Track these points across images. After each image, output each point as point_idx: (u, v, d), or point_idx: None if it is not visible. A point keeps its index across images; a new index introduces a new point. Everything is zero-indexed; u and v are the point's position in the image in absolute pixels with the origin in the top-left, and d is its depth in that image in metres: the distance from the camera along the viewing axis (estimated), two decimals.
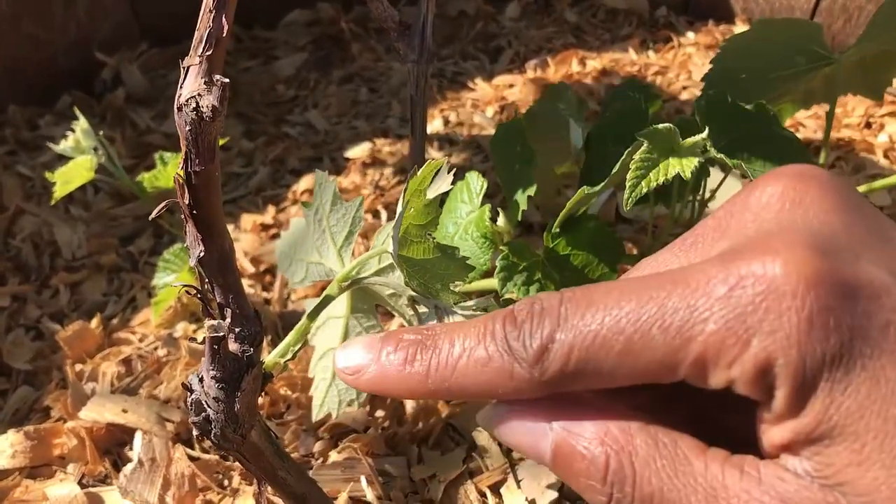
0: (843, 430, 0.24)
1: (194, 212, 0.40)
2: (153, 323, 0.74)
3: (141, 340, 0.72)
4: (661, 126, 0.55)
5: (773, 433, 0.26)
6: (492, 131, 1.00)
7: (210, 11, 0.39)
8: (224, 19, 0.39)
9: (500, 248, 0.58)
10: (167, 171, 0.72)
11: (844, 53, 0.63)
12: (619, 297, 0.27)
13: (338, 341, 0.53)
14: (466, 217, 0.63)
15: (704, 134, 0.55)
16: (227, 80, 0.37)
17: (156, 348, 0.71)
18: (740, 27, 1.13)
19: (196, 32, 0.39)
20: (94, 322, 0.74)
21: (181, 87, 0.39)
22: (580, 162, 0.67)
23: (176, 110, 0.39)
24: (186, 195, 0.40)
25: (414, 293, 0.44)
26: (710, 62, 0.67)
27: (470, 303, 0.45)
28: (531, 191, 0.63)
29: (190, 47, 1.03)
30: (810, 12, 1.07)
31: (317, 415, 0.57)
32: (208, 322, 0.41)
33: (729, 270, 0.25)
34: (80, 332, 0.72)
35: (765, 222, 0.28)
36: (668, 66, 1.09)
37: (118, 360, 0.70)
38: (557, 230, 0.60)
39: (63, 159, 0.78)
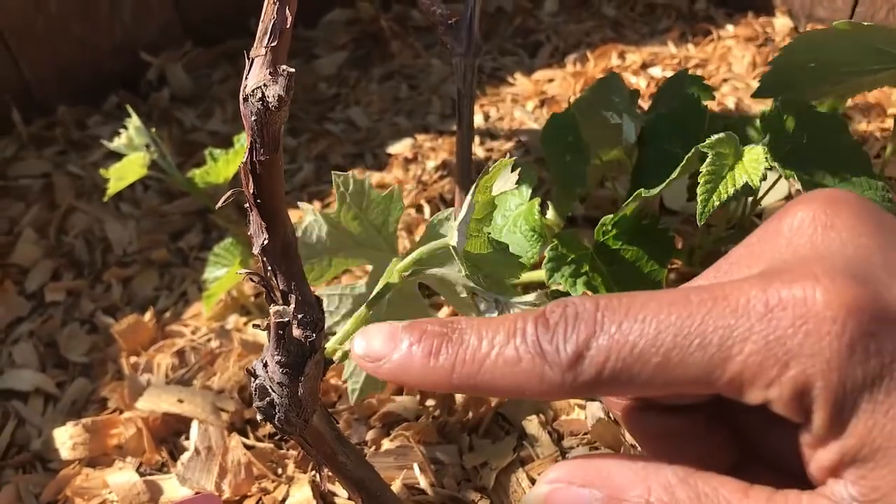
0: (887, 452, 0.24)
1: (258, 200, 0.41)
2: (205, 316, 0.75)
3: (193, 333, 0.74)
4: (721, 135, 0.55)
5: (817, 456, 0.26)
6: (532, 126, 1.01)
7: (274, 3, 0.40)
8: (287, 10, 0.40)
9: (550, 239, 0.59)
10: (217, 167, 0.74)
11: None
12: (658, 309, 0.27)
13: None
14: (515, 209, 0.64)
15: (766, 140, 0.55)
16: (292, 70, 0.38)
17: (208, 340, 0.72)
18: (780, 19, 1.12)
19: (260, 24, 0.40)
20: (148, 315, 0.75)
21: (246, 77, 0.40)
22: (631, 154, 0.67)
23: (241, 101, 0.40)
24: (251, 184, 0.41)
25: (473, 286, 0.45)
26: (781, 49, 0.67)
27: (529, 297, 0.45)
28: (583, 185, 0.63)
29: (234, 47, 1.05)
30: (852, 3, 1.06)
31: (354, 398, 0.58)
32: (273, 308, 0.41)
33: (768, 292, 0.26)
34: (134, 325, 0.74)
35: (799, 247, 0.28)
36: (707, 59, 1.08)
37: (172, 352, 0.71)
38: (609, 226, 0.60)
39: (113, 157, 0.80)
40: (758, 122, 0.62)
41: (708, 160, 0.55)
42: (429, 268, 0.47)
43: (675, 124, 0.63)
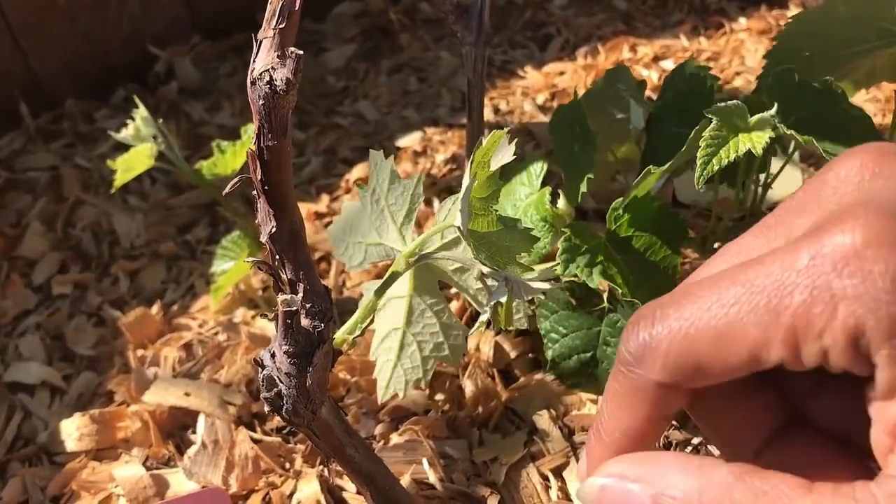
0: None
1: (266, 187, 0.41)
2: (212, 309, 0.75)
3: (201, 326, 0.73)
4: (730, 103, 0.54)
5: (886, 413, 0.25)
6: (543, 119, 1.00)
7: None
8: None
9: (562, 229, 0.58)
10: (225, 159, 0.73)
11: None
12: (711, 286, 0.27)
13: (401, 321, 0.53)
14: (526, 199, 0.63)
15: (773, 110, 0.54)
16: (300, 52, 0.37)
17: (216, 333, 0.72)
18: (794, 11, 1.10)
19: (269, 6, 0.39)
20: (155, 308, 0.75)
21: (254, 60, 0.39)
22: (641, 143, 0.66)
23: (249, 84, 0.39)
24: (259, 170, 0.40)
25: (482, 266, 0.44)
26: (775, 37, 0.66)
27: (535, 272, 0.44)
28: (591, 173, 0.62)
29: (241, 40, 1.05)
30: None
31: (383, 396, 0.57)
32: (281, 297, 0.41)
33: (813, 244, 0.25)
34: (141, 318, 0.73)
35: (845, 196, 0.28)
36: (720, 52, 1.07)
37: (179, 346, 0.71)
38: (620, 211, 0.59)
39: (121, 150, 0.80)
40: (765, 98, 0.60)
41: (712, 125, 0.54)
42: (435, 254, 0.47)
43: (682, 106, 0.62)
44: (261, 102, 0.39)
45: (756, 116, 0.54)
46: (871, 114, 0.91)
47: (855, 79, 0.71)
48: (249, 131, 0.75)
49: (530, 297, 0.42)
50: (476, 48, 0.65)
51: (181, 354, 0.70)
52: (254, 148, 0.40)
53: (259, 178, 0.40)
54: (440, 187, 0.89)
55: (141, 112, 0.72)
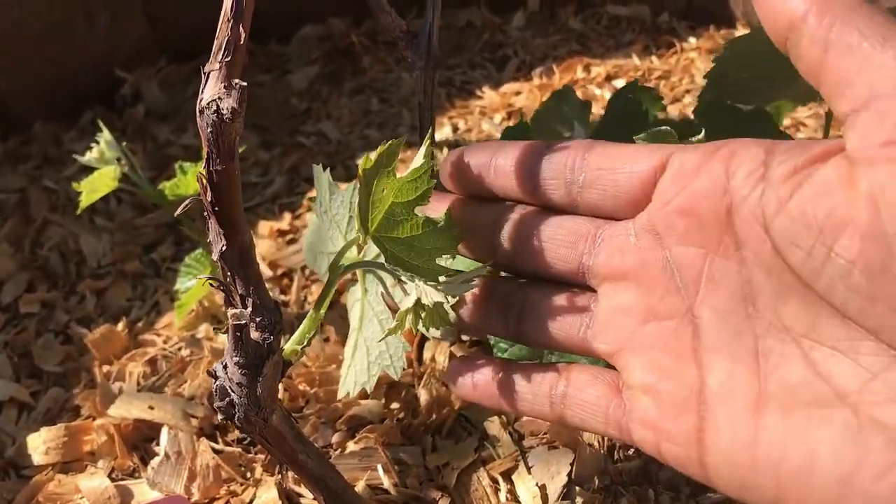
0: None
1: (216, 209, 0.43)
2: (176, 325, 0.77)
3: (165, 342, 0.76)
4: (661, 128, 0.57)
5: None
6: (499, 137, 1.03)
7: (228, 21, 0.42)
8: (241, 27, 0.42)
9: None
10: (187, 180, 0.75)
11: None
12: None
13: (357, 322, 0.56)
14: None
15: (701, 135, 0.57)
16: (244, 84, 0.40)
17: (179, 349, 0.74)
18: (741, 31, 1.15)
19: (216, 41, 0.42)
20: (121, 325, 0.77)
21: (202, 91, 0.42)
22: None
23: (198, 113, 0.42)
24: (209, 193, 0.43)
25: (400, 273, 0.46)
26: (713, 60, 0.70)
27: (456, 277, 0.47)
28: None
29: (207, 63, 1.07)
30: None
31: (339, 394, 0.59)
32: (231, 311, 0.43)
33: None
34: (106, 334, 0.75)
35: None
36: (671, 71, 1.11)
37: (144, 361, 0.73)
38: None
39: (87, 171, 0.82)
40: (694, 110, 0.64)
41: None
42: (360, 265, 0.49)
43: (620, 128, 0.66)
44: (209, 130, 0.41)
45: (688, 142, 0.57)
46: (812, 129, 0.95)
47: (793, 96, 0.75)
48: None
49: (437, 301, 0.44)
50: (426, 72, 0.68)
51: (146, 369, 0.72)
52: (203, 171, 0.43)
53: (209, 199, 0.43)
54: None
55: (105, 135, 0.75)
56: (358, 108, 1.10)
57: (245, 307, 0.44)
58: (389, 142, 0.45)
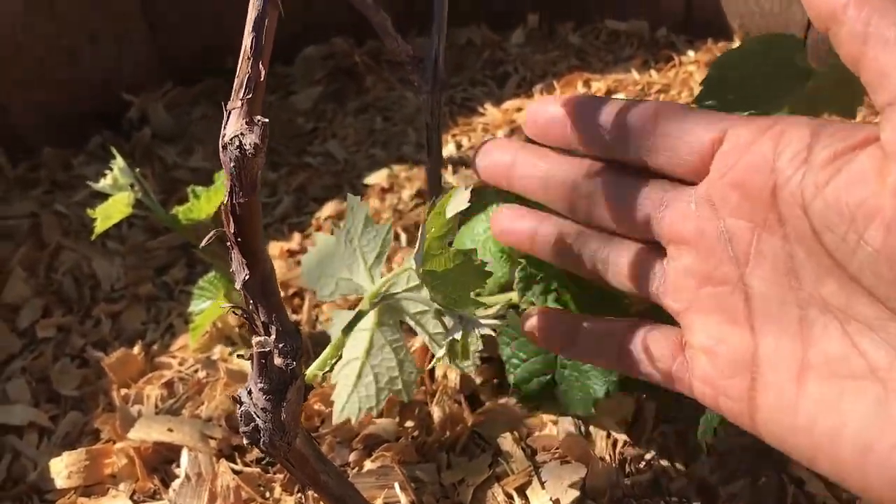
0: None
1: (239, 240, 0.45)
2: (191, 347, 0.78)
3: (181, 364, 0.77)
4: None
5: None
6: None
7: (248, 58, 0.43)
8: (261, 65, 0.44)
9: (518, 259, 0.62)
10: (200, 205, 0.77)
11: (824, 70, 0.67)
12: None
13: (362, 352, 0.57)
14: (483, 234, 0.68)
15: None
16: (266, 120, 0.41)
17: (196, 371, 0.75)
18: (739, 44, 1.17)
19: (236, 78, 0.44)
20: (137, 349, 0.78)
21: (224, 127, 0.43)
22: None
23: (221, 149, 0.43)
24: (231, 225, 0.44)
25: (439, 307, 0.49)
26: (710, 67, 0.71)
27: (492, 310, 0.49)
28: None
29: (213, 85, 1.10)
30: (805, 27, 1.11)
31: (336, 419, 0.61)
32: (256, 339, 0.45)
33: None
34: (123, 358, 0.76)
35: None
36: (670, 84, 1.13)
37: (161, 384, 0.74)
38: None
39: (98, 197, 0.83)
40: None
41: None
42: (397, 295, 0.51)
43: None
44: (232, 165, 0.43)
45: None
46: None
47: (790, 104, 0.76)
48: (222, 177, 0.78)
49: (484, 334, 0.46)
50: (432, 96, 0.70)
51: (163, 392, 0.73)
52: (227, 204, 0.44)
53: (232, 231, 0.45)
54: (406, 222, 0.94)
55: (118, 162, 0.76)
56: (363, 127, 1.11)
57: (268, 334, 0.45)
58: (451, 187, 0.47)
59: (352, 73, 1.21)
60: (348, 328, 0.49)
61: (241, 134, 0.42)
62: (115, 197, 0.76)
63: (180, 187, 1.01)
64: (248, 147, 0.42)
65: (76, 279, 0.89)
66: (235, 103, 0.42)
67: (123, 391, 0.74)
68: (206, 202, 0.77)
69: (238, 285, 0.46)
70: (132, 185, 0.77)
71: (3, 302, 0.86)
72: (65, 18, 1.02)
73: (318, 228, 0.94)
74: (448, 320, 0.48)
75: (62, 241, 0.93)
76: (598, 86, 1.13)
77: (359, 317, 0.49)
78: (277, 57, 1.23)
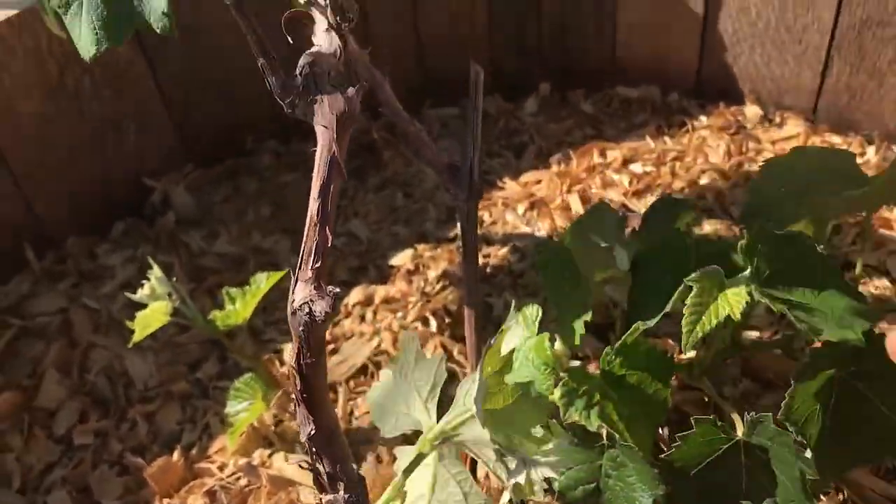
0: None
1: (304, 396, 0.45)
2: (230, 450, 0.79)
3: (221, 470, 0.77)
4: (707, 269, 0.60)
5: None
6: (524, 229, 1.06)
7: (315, 225, 0.44)
8: (328, 230, 0.45)
9: (561, 374, 0.63)
10: (237, 311, 0.77)
11: (877, 177, 0.69)
12: None
13: (427, 488, 0.57)
14: (524, 343, 0.68)
15: (747, 273, 0.60)
16: (338, 290, 0.42)
17: (238, 478, 0.75)
18: (750, 107, 1.19)
19: (303, 244, 0.45)
20: (176, 455, 0.79)
21: (293, 292, 0.44)
22: (627, 282, 0.72)
23: (289, 314, 0.44)
24: (298, 383, 0.45)
25: (498, 447, 0.49)
26: (751, 182, 0.73)
27: (551, 446, 0.49)
28: (587, 317, 0.68)
29: (233, 165, 1.11)
30: (816, 91, 1.13)
31: None
32: (325, 498, 0.45)
33: None
34: (164, 466, 0.77)
35: None
36: (684, 151, 1.14)
37: (203, 492, 0.74)
38: (613, 355, 0.64)
39: (127, 288, 0.84)
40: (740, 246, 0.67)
41: (693, 293, 0.60)
42: (458, 435, 0.51)
43: (664, 255, 0.68)
44: (300, 328, 0.44)
45: (733, 280, 0.60)
46: (844, 235, 0.97)
47: (825, 210, 0.77)
48: (258, 281, 0.79)
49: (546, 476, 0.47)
50: (468, 203, 0.71)
51: (206, 501, 0.74)
52: (294, 364, 0.45)
53: (298, 388, 0.45)
54: (434, 305, 0.94)
55: (155, 272, 0.77)
56: (384, 204, 1.12)
57: (335, 490, 0.46)
58: (504, 331, 0.48)
59: (371, 148, 1.22)
60: (409, 469, 0.50)
61: (311, 300, 0.43)
62: (153, 306, 0.77)
63: (208, 275, 1.02)
64: (318, 314, 0.43)
65: (109, 378, 0.89)
66: (306, 273, 0.43)
67: (166, 501, 0.75)
68: (242, 307, 0.78)
69: (303, 438, 0.46)
70: (170, 295, 0.77)
71: (38, 406, 0.86)
72: (89, 111, 1.03)
73: (348, 315, 0.95)
74: (510, 461, 0.49)
75: (93, 339, 0.94)
76: (615, 154, 1.15)
77: (419, 458, 0.50)
78: (295, 134, 1.24)
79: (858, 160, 1.09)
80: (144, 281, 0.77)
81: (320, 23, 0.50)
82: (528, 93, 1.28)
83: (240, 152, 1.21)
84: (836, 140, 1.12)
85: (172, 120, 1.14)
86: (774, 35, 1.12)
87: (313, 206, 0.44)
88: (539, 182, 1.13)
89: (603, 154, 1.15)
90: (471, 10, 1.22)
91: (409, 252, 1.04)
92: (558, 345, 0.71)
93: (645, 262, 0.69)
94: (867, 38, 1.05)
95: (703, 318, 0.60)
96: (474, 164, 0.70)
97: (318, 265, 0.43)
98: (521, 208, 1.09)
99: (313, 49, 0.49)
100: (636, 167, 1.12)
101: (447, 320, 0.93)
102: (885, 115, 1.09)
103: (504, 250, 1.02)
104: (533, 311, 0.70)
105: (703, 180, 1.09)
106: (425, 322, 0.93)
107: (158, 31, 0.52)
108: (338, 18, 0.48)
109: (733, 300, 0.60)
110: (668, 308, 0.62)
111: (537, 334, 0.69)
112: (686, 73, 1.22)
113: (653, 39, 1.21)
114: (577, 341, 0.67)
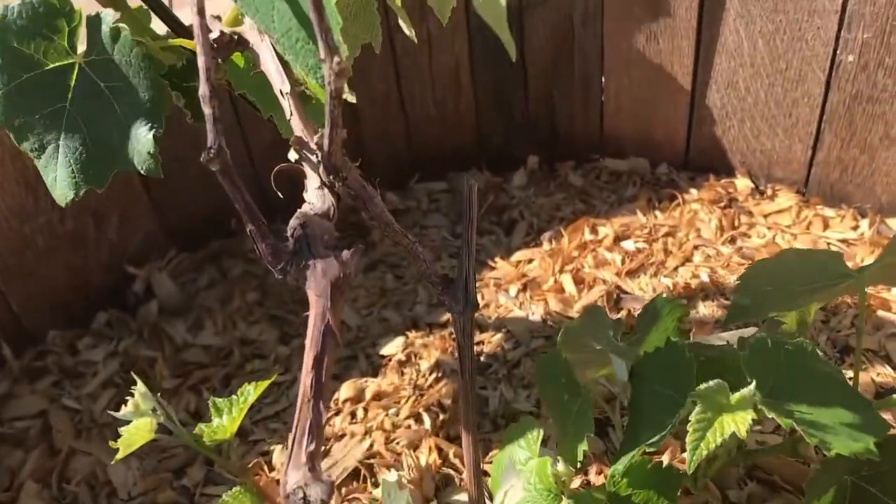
0: None
1: None
2: None
3: None
4: (710, 384, 0.58)
5: None
6: (518, 313, 1.03)
7: (308, 401, 0.42)
8: (322, 405, 0.42)
9: (566, 499, 0.61)
10: (224, 426, 0.74)
11: (865, 269, 0.68)
12: None
13: None
14: (525, 464, 0.66)
15: (752, 387, 0.58)
16: (332, 480, 0.40)
17: None
18: (741, 180, 1.18)
19: (296, 424, 0.42)
20: None
21: (285, 473, 0.42)
22: (626, 393, 0.70)
23: (282, 496, 0.41)
24: None
25: None
26: (738, 279, 0.72)
27: None
28: (590, 431, 0.65)
29: (217, 248, 1.07)
30: (807, 164, 1.12)
31: None
32: None
33: None
34: None
35: None
36: (676, 226, 1.13)
37: None
38: (619, 476, 0.62)
39: (109, 386, 0.80)
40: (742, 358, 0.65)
41: (697, 410, 0.58)
42: None
43: (662, 367, 0.67)
44: None
45: (737, 395, 0.58)
46: (841, 316, 0.96)
47: (809, 303, 0.77)
48: (245, 392, 0.76)
49: None
50: (463, 316, 0.69)
51: None
52: None
53: None
54: (428, 400, 0.92)
55: (139, 388, 0.74)
56: (374, 287, 1.10)
57: None
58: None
59: (358, 226, 1.20)
60: None
61: (306, 484, 0.40)
62: (137, 423, 0.74)
63: (193, 370, 0.99)
64: (313, 499, 0.40)
65: (91, 487, 0.86)
66: (300, 457, 0.41)
67: None
68: (229, 422, 0.75)
69: None
70: (154, 410, 0.74)
71: None
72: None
73: (338, 413, 0.92)
74: None
75: (74, 444, 0.90)
76: (606, 231, 1.13)
77: None
78: (279, 213, 1.22)
79: (851, 233, 1.09)
80: (128, 397, 0.74)
81: (312, 179, 0.48)
82: (517, 165, 1.27)
83: (224, 234, 1.18)
84: (829, 213, 1.11)
85: (154, 204, 1.11)
86: (764, 109, 1.11)
87: (306, 379, 0.41)
88: (531, 261, 1.11)
89: (594, 230, 1.14)
90: (457, 91, 1.20)
91: (400, 340, 1.01)
92: (561, 465, 0.68)
93: (643, 374, 0.67)
94: (857, 113, 1.05)
95: (708, 434, 0.58)
96: (469, 275, 0.68)
97: (311, 447, 0.40)
98: (513, 289, 1.07)
99: (304, 208, 0.46)
100: (628, 244, 1.11)
101: (441, 417, 0.90)
102: (877, 188, 1.08)
103: (497, 336, 1.00)
104: (535, 432, 0.68)
105: (697, 257, 1.08)
106: (418, 419, 0.90)
107: (143, 172, 0.49)
108: (331, 177, 0.47)
109: (739, 419, 0.58)
110: (671, 427, 0.60)
111: (539, 455, 0.67)
112: (674, 145, 1.21)
113: (641, 112, 1.20)
114: (580, 459, 0.65)
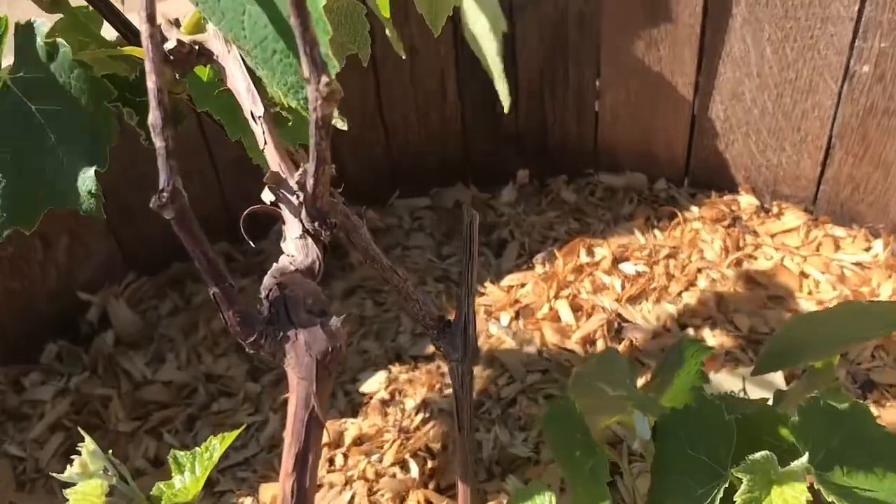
0: None
1: None
2: None
3: None
4: (758, 456, 0.50)
5: None
6: (510, 343, 0.95)
7: (290, 474, 0.34)
8: (308, 479, 0.34)
9: None
10: (187, 487, 0.65)
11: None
12: None
13: None
14: None
15: (805, 459, 0.50)
16: None
17: None
18: (745, 196, 1.10)
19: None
20: None
21: None
22: (648, 454, 0.62)
23: None
24: None
25: None
26: (771, 339, 0.65)
27: None
28: (603, 499, 0.57)
29: (179, 272, 0.96)
30: (816, 181, 1.05)
31: None
32: None
33: None
34: None
35: None
36: (678, 247, 1.05)
37: None
38: None
39: (57, 430, 0.69)
40: (786, 415, 0.57)
41: (743, 487, 0.51)
42: None
43: (695, 426, 0.58)
44: None
45: (788, 469, 0.50)
46: (862, 348, 0.89)
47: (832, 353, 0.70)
48: (211, 448, 0.67)
49: None
50: (462, 365, 0.60)
51: None
52: None
53: None
54: (415, 444, 0.83)
55: (88, 444, 0.64)
56: (352, 313, 1.01)
57: None
58: None
59: (335, 247, 1.11)
60: None
61: None
62: (85, 487, 0.64)
63: (152, 410, 0.89)
64: None
65: None
66: None
67: None
68: (192, 482, 0.66)
69: None
70: (105, 469, 0.65)
71: None
72: None
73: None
74: None
75: (15, 499, 0.80)
76: (603, 252, 1.05)
77: None
78: (249, 232, 1.12)
79: (865, 255, 1.02)
80: (74, 456, 0.64)
81: (291, 226, 0.39)
82: (505, 180, 1.18)
83: (186, 256, 1.08)
84: (840, 233, 1.05)
85: (109, 223, 1.01)
86: (771, 122, 1.04)
87: (286, 484, 0.33)
88: (523, 285, 1.02)
89: (590, 252, 1.06)
90: (441, 98, 1.12)
91: (382, 375, 0.92)
92: None
93: (670, 433, 0.59)
94: (871, 126, 0.98)
95: None
96: (469, 319, 0.59)
97: None
98: (505, 318, 0.98)
99: (282, 263, 0.38)
100: (627, 267, 1.03)
101: (429, 464, 0.82)
102: (891, 207, 1.01)
103: (489, 371, 0.92)
104: (545, 498, 0.60)
105: (701, 281, 1.00)
106: (404, 466, 0.82)
107: (82, 212, 0.40)
108: (316, 224, 0.38)
109: (790, 495, 0.51)
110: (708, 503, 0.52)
111: None
112: (674, 159, 1.14)
113: (638, 124, 1.12)
114: None
